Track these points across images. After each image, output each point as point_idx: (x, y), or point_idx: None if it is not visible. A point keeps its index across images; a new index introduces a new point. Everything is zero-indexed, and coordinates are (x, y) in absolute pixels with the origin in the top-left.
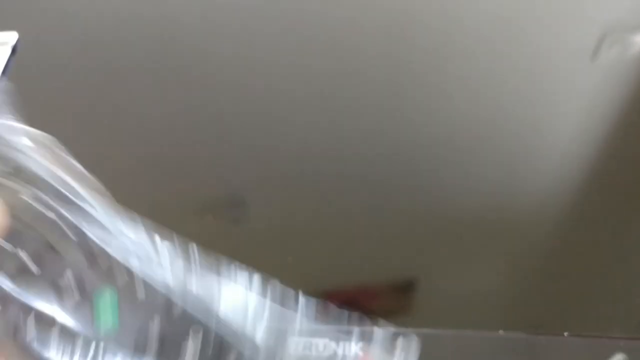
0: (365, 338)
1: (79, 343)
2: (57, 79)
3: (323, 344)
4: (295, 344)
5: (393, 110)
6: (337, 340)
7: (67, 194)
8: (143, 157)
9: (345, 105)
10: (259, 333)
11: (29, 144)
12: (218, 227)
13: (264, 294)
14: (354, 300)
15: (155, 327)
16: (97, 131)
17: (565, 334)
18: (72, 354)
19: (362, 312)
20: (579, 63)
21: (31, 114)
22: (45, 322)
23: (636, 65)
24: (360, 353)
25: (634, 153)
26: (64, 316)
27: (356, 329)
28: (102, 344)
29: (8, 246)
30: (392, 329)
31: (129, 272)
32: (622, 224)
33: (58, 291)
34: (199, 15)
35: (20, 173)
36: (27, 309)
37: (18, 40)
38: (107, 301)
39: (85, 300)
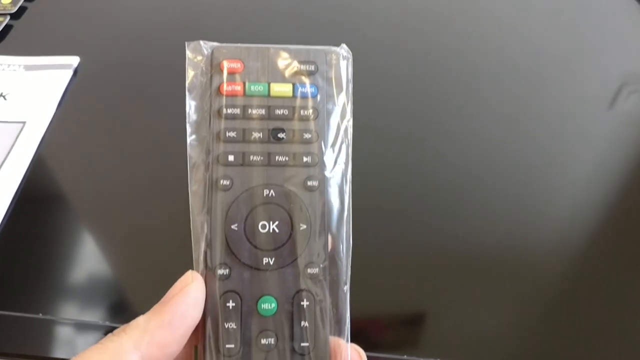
0: None
1: None
2: (114, 99)
3: None
4: None
5: (410, 151)
6: None
7: None
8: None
9: (369, 150)
10: None
11: None
12: None
13: None
14: (364, 331)
15: None
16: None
17: None
18: None
19: (371, 342)
20: (596, 111)
21: (89, 131)
22: None
23: None
24: None
25: None
26: None
27: None
28: None
29: None
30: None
31: None
32: (636, 271)
33: None
34: None
35: None
36: None
37: (79, 64)
38: None
39: None
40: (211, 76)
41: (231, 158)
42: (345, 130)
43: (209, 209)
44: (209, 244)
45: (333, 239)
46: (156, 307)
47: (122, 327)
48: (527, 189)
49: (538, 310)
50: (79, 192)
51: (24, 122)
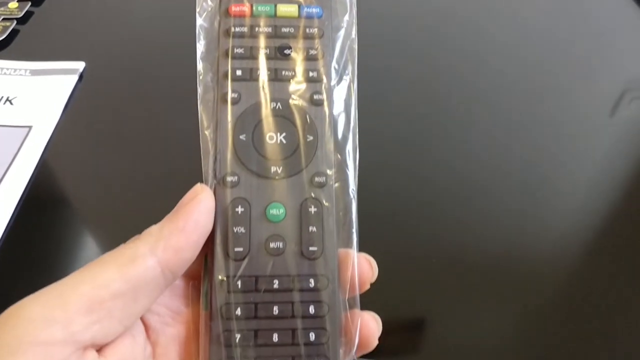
0: None
1: None
2: (119, 104)
3: None
4: None
5: (411, 157)
6: None
7: None
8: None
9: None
10: None
11: None
12: None
13: None
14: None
15: None
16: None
17: None
18: None
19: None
20: (599, 118)
21: (94, 136)
22: None
23: None
24: None
25: None
26: None
27: None
28: None
29: None
30: None
31: None
32: (636, 277)
33: None
34: None
35: None
36: None
37: (85, 69)
38: None
39: None
40: (220, 0)
41: (239, 73)
42: (351, 48)
43: (218, 122)
44: (218, 154)
45: (340, 149)
46: (168, 216)
47: (136, 236)
48: (530, 195)
49: (543, 317)
50: (85, 196)
51: (30, 127)
